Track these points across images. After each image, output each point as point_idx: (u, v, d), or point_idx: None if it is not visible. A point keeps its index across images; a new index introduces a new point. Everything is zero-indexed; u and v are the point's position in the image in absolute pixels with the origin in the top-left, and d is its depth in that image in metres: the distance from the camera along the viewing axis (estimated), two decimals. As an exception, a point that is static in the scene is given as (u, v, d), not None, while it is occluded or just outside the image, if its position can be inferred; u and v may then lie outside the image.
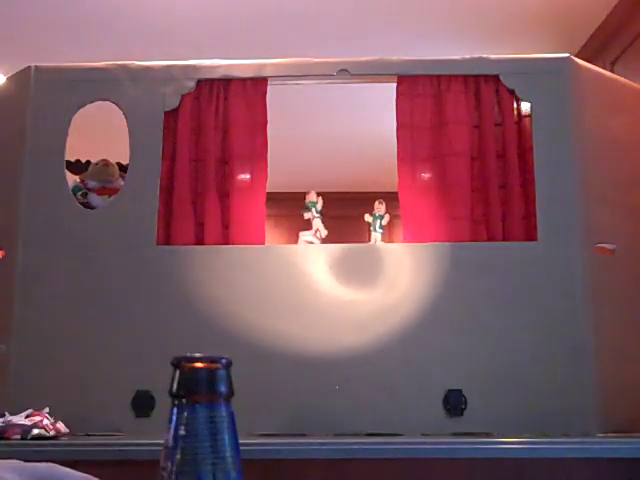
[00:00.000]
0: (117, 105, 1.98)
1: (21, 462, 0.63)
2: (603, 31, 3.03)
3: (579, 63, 2.01)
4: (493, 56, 2.03)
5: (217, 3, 3.02)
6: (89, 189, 2.08)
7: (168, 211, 1.97)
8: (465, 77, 2.01)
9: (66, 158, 1.99)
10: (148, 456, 1.33)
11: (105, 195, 2.06)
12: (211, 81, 2.02)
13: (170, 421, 0.49)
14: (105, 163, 2.15)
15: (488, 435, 1.68)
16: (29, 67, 2.01)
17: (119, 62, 2.02)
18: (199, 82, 2.01)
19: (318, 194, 2.48)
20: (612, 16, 2.94)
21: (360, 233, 5.32)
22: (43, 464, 0.63)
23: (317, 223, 2.41)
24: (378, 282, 1.88)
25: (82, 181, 2.12)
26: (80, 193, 2.06)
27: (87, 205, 2.02)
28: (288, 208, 5.00)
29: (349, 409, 1.79)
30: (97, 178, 2.10)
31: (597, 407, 1.76)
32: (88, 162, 2.20)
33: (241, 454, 0.50)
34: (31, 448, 1.49)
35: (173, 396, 0.49)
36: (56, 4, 3.01)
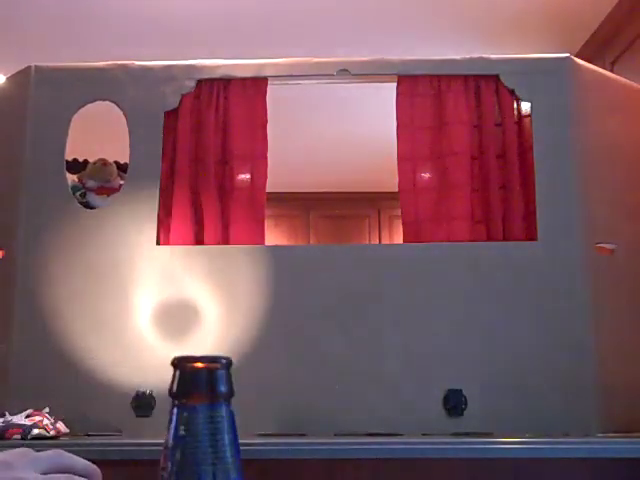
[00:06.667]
0: (117, 105, 1.98)
1: (30, 450, 0.63)
2: (603, 31, 3.02)
3: (579, 63, 2.02)
4: (493, 56, 2.03)
5: (217, 3, 3.02)
6: (87, 189, 2.08)
7: (168, 211, 1.97)
8: (465, 77, 2.01)
9: (66, 158, 1.99)
10: (148, 456, 1.33)
11: (104, 194, 2.06)
12: (211, 81, 2.02)
13: (170, 421, 0.49)
14: (103, 162, 2.14)
15: (488, 435, 1.68)
16: (29, 67, 2.01)
17: (119, 62, 2.02)
18: (199, 82, 2.01)
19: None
20: (612, 16, 2.94)
21: (360, 233, 5.34)
22: (50, 451, 0.63)
23: None
24: (378, 282, 1.88)
25: (80, 181, 2.11)
26: (79, 193, 2.06)
27: (86, 205, 2.02)
28: (288, 208, 5.01)
29: (349, 409, 1.79)
30: (95, 177, 2.10)
31: (597, 407, 1.76)
32: (86, 162, 2.20)
33: (241, 454, 0.50)
34: (31, 448, 1.49)
35: (173, 396, 0.49)
36: (56, 4, 3.01)
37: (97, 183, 2.09)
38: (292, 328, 1.85)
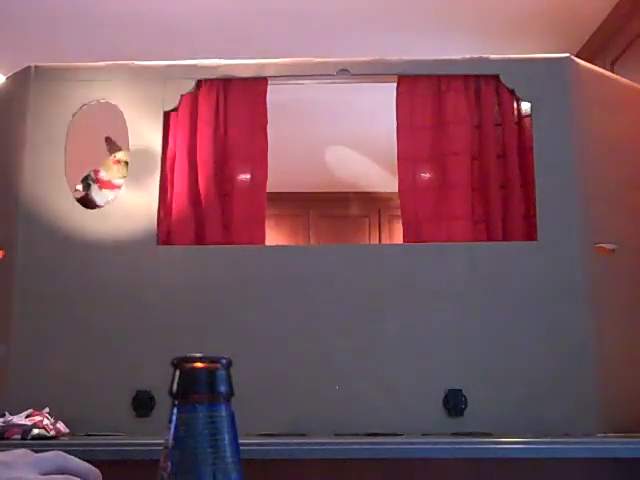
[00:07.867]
0: (117, 105, 1.98)
1: (29, 452, 0.63)
2: (603, 31, 3.02)
3: (579, 63, 2.01)
4: (493, 56, 2.03)
5: (217, 3, 3.02)
6: (97, 179, 2.05)
7: (168, 211, 1.97)
8: (465, 77, 2.01)
9: (66, 159, 1.98)
10: (148, 456, 1.33)
11: (107, 189, 2.04)
12: (211, 81, 2.02)
13: (170, 421, 0.49)
14: (114, 161, 2.11)
15: (488, 435, 1.68)
16: (29, 67, 2.01)
17: (119, 62, 2.02)
18: (199, 82, 2.01)
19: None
20: (612, 16, 2.94)
21: (360, 233, 5.34)
22: (50, 452, 0.63)
23: None
24: (378, 282, 1.88)
25: (96, 171, 2.08)
26: (85, 183, 2.04)
27: (87, 197, 2.01)
28: (288, 208, 5.01)
29: (349, 409, 1.79)
30: (106, 171, 2.08)
31: (597, 407, 1.76)
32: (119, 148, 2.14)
33: (241, 454, 0.50)
34: (31, 448, 1.49)
35: (173, 396, 0.50)
36: (56, 3, 3.01)
37: (107, 176, 2.06)
38: (292, 328, 1.85)
